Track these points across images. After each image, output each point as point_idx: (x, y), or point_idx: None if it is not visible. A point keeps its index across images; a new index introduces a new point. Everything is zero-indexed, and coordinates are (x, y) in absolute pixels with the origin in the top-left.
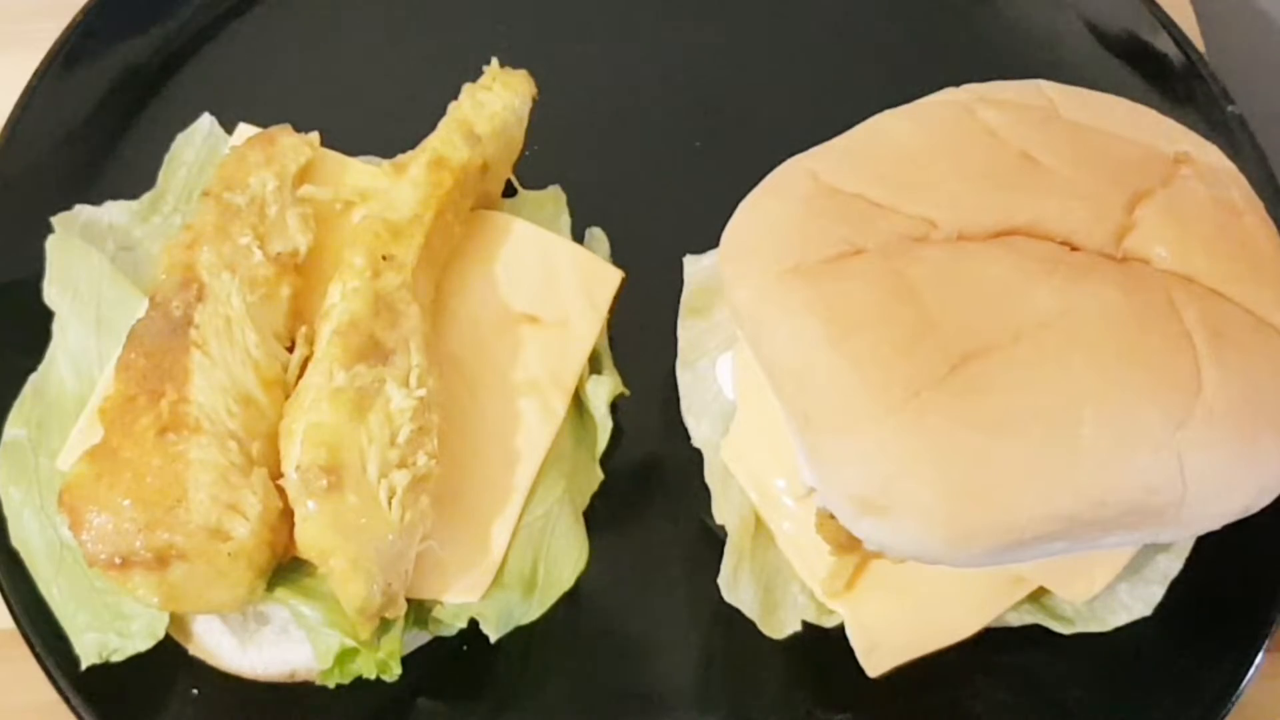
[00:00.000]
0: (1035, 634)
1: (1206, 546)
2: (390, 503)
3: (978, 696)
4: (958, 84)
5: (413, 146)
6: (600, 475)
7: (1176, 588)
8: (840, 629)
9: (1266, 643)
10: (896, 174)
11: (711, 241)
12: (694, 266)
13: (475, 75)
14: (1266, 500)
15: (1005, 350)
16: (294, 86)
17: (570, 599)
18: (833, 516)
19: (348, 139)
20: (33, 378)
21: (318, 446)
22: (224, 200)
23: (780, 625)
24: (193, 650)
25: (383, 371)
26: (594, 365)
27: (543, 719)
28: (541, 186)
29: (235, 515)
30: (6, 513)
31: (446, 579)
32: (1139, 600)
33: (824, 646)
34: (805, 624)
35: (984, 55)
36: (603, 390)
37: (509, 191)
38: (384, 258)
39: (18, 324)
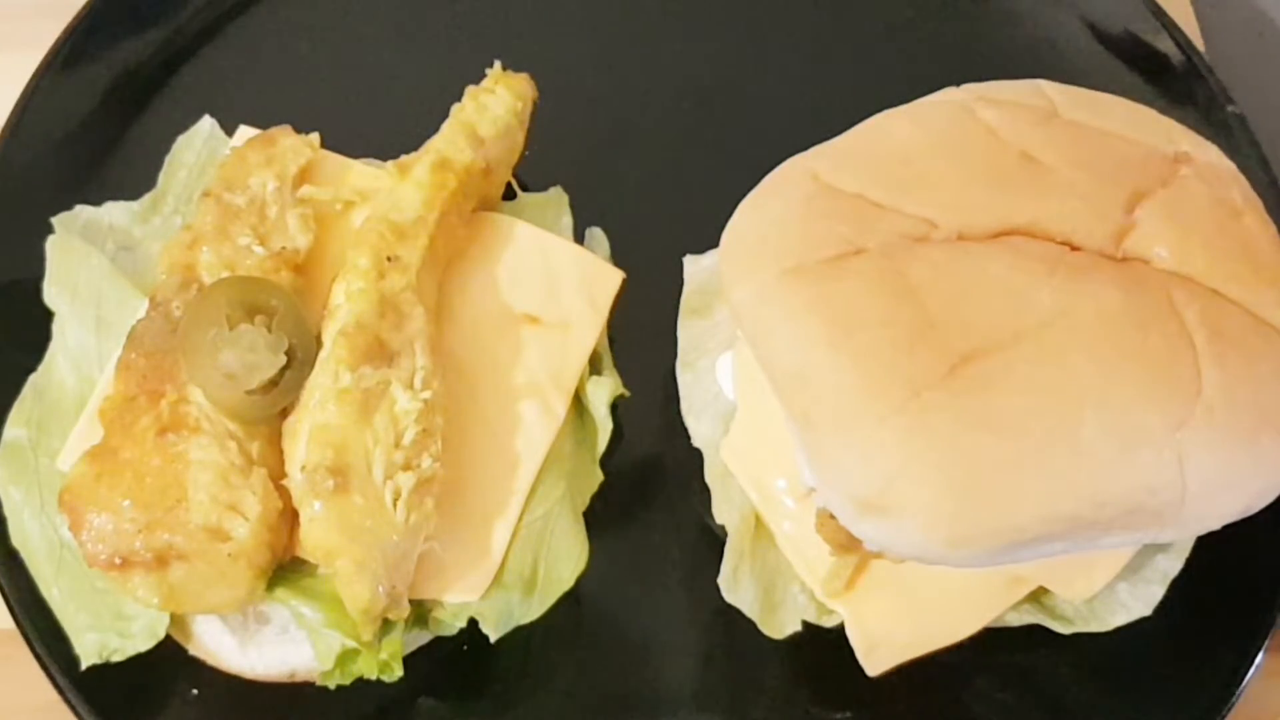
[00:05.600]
0: (1035, 634)
1: (1206, 546)
2: (395, 504)
3: (978, 696)
4: (958, 84)
5: (413, 149)
6: (600, 476)
7: (1176, 588)
8: (840, 629)
9: (1266, 643)
10: (897, 174)
11: (711, 241)
12: (694, 266)
13: (476, 77)
14: (1266, 500)
15: (1006, 350)
16: (294, 88)
17: (570, 599)
18: (833, 516)
19: (348, 141)
20: (33, 378)
21: (324, 447)
22: (224, 201)
23: (780, 625)
24: (193, 650)
25: (388, 373)
26: (594, 366)
27: (543, 719)
28: (542, 188)
29: (235, 516)
30: (6, 513)
31: (447, 579)
32: (1139, 600)
33: (824, 646)
34: (805, 624)
35: (984, 55)
36: (603, 391)
37: (509, 194)
38: (389, 259)
39: (18, 324)
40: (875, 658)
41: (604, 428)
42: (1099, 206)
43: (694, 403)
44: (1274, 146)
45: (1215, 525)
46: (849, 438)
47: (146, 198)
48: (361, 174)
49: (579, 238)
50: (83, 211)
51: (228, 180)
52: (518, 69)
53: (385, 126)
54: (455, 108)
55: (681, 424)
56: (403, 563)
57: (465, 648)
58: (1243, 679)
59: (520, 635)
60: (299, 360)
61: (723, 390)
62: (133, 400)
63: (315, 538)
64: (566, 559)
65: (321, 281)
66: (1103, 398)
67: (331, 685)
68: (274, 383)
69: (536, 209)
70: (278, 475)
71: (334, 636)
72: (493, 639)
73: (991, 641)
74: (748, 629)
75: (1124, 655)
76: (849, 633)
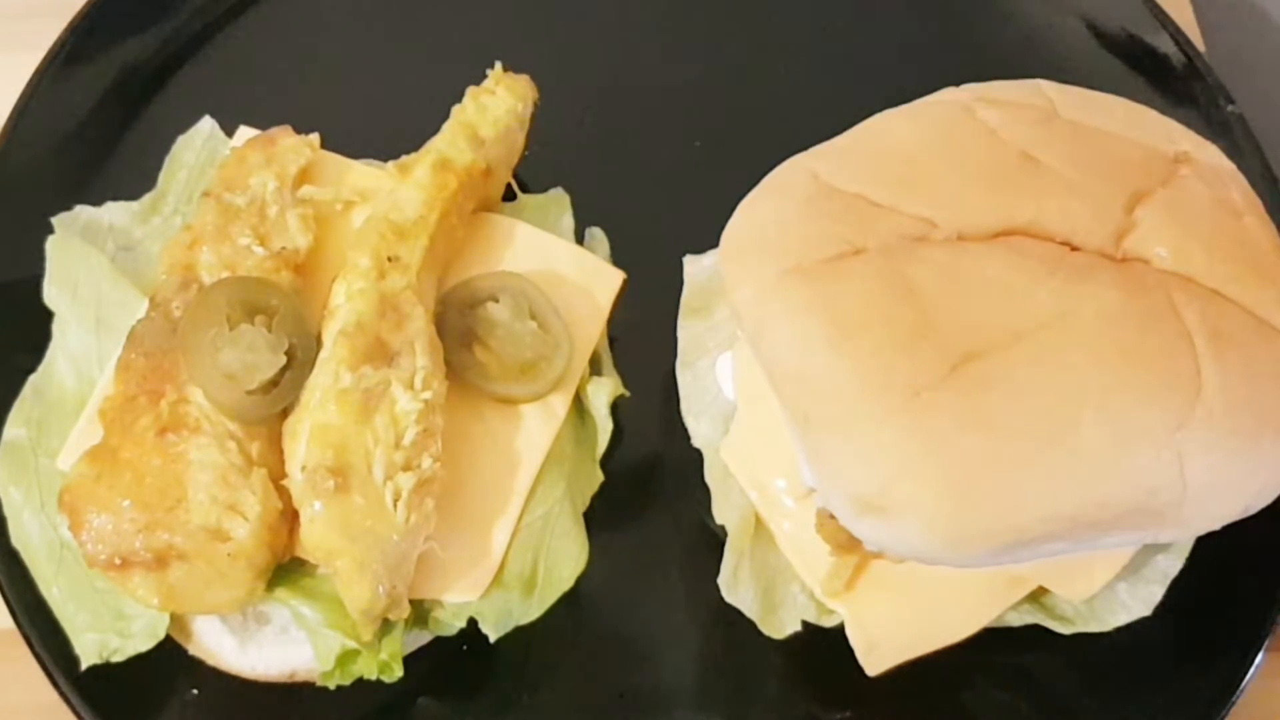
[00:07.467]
0: (1035, 634)
1: (1206, 546)
2: (395, 505)
3: (978, 696)
4: (958, 84)
5: (413, 149)
6: (600, 476)
7: (1176, 588)
8: (840, 629)
9: (1266, 643)
10: (897, 174)
11: (711, 241)
12: (694, 266)
13: (476, 78)
14: (1266, 500)
15: (1006, 351)
16: (294, 89)
17: (570, 599)
18: (833, 516)
19: (348, 141)
20: (33, 378)
21: (325, 447)
22: (224, 201)
23: (780, 625)
24: (193, 650)
25: (388, 374)
26: (594, 366)
27: (543, 719)
28: (543, 188)
29: (235, 516)
30: (6, 513)
31: (447, 579)
32: (1139, 600)
33: (824, 646)
34: (805, 624)
35: (984, 55)
36: (603, 391)
37: (509, 195)
38: (389, 259)
39: (18, 324)
40: (875, 658)
41: (604, 428)
42: (1099, 206)
43: (694, 403)
44: (1274, 146)
45: (1215, 525)
46: (849, 438)
47: (146, 198)
48: (361, 174)
49: (579, 238)
50: (83, 211)
51: (228, 180)
52: (518, 70)
53: (385, 126)
54: (456, 108)
55: (681, 424)
56: (403, 563)
57: (465, 648)
58: (1243, 679)
59: (520, 635)
60: (299, 360)
61: (723, 390)
62: (133, 400)
63: (315, 538)
64: (566, 559)
65: (321, 281)
66: (1102, 398)
67: (331, 685)
68: (274, 383)
69: (537, 210)
70: (278, 475)
71: (334, 636)
72: (492, 639)
73: (991, 641)
74: (748, 629)
75: (1124, 655)
76: (849, 633)
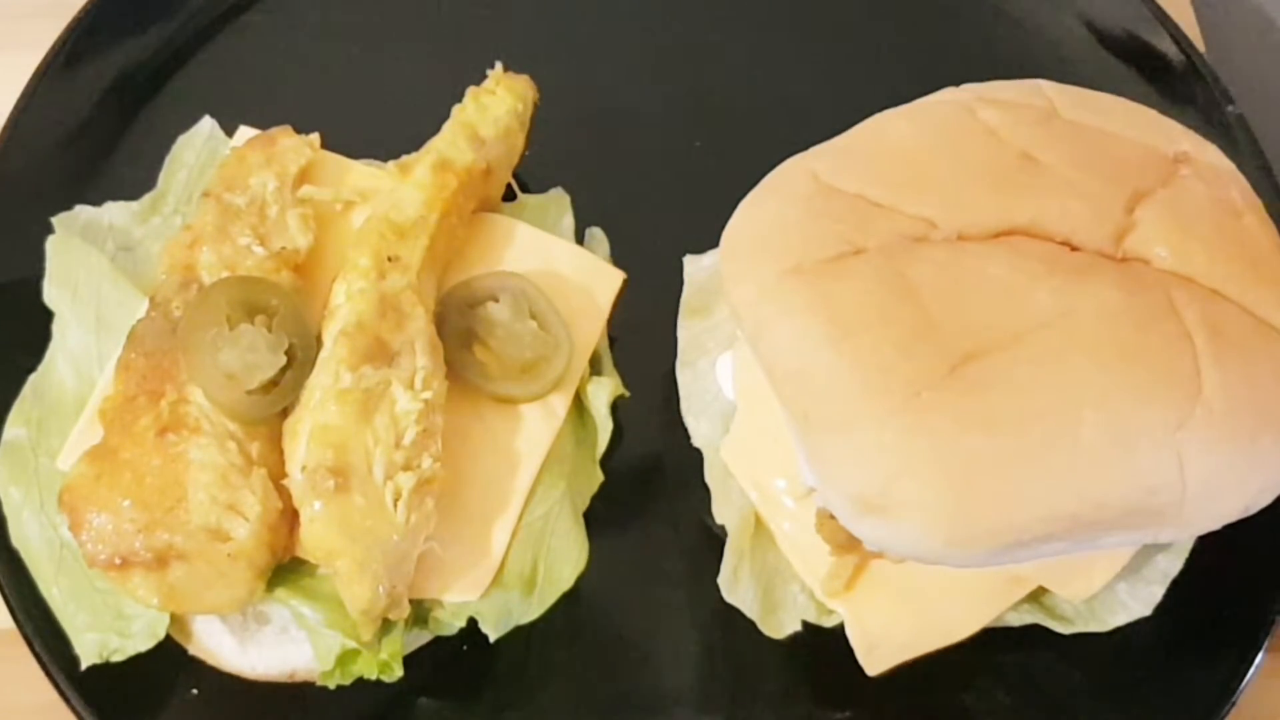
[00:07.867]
0: (1035, 634)
1: (1206, 546)
2: (396, 504)
3: (978, 696)
4: (958, 84)
5: (413, 149)
6: (600, 476)
7: (1176, 588)
8: (840, 629)
9: (1266, 642)
10: (896, 174)
11: (711, 241)
12: (694, 266)
13: (476, 78)
14: (1266, 500)
15: (1005, 350)
16: (294, 88)
17: (570, 599)
18: (833, 516)
19: (348, 141)
20: (33, 378)
21: (325, 447)
22: (224, 201)
23: (780, 625)
24: (193, 650)
25: (389, 373)
26: (594, 366)
27: (543, 719)
28: (543, 189)
29: (235, 516)
30: (6, 513)
31: (447, 579)
32: (1139, 600)
33: (824, 646)
34: (805, 624)
35: (984, 55)
36: (603, 391)
37: (509, 196)
38: (389, 259)
39: (18, 324)
40: (875, 657)
41: (604, 428)
42: (1099, 206)
43: (694, 403)
44: (1274, 146)
45: (1215, 525)
46: (849, 437)
47: (146, 198)
48: (361, 174)
49: (579, 238)
50: (83, 211)
51: (228, 180)
52: (519, 70)
53: (385, 126)
54: (456, 108)
55: (681, 424)
56: (403, 563)
57: (465, 648)
58: (1243, 679)
59: (520, 635)
60: (299, 360)
61: (723, 390)
62: (133, 400)
63: (315, 538)
64: (566, 559)
65: (321, 281)
66: (1102, 398)
67: (331, 685)
68: (274, 383)
69: (537, 210)
70: (278, 475)
71: (334, 636)
72: (492, 639)
73: (991, 641)
74: (748, 629)
75: (1124, 655)
76: (849, 633)
